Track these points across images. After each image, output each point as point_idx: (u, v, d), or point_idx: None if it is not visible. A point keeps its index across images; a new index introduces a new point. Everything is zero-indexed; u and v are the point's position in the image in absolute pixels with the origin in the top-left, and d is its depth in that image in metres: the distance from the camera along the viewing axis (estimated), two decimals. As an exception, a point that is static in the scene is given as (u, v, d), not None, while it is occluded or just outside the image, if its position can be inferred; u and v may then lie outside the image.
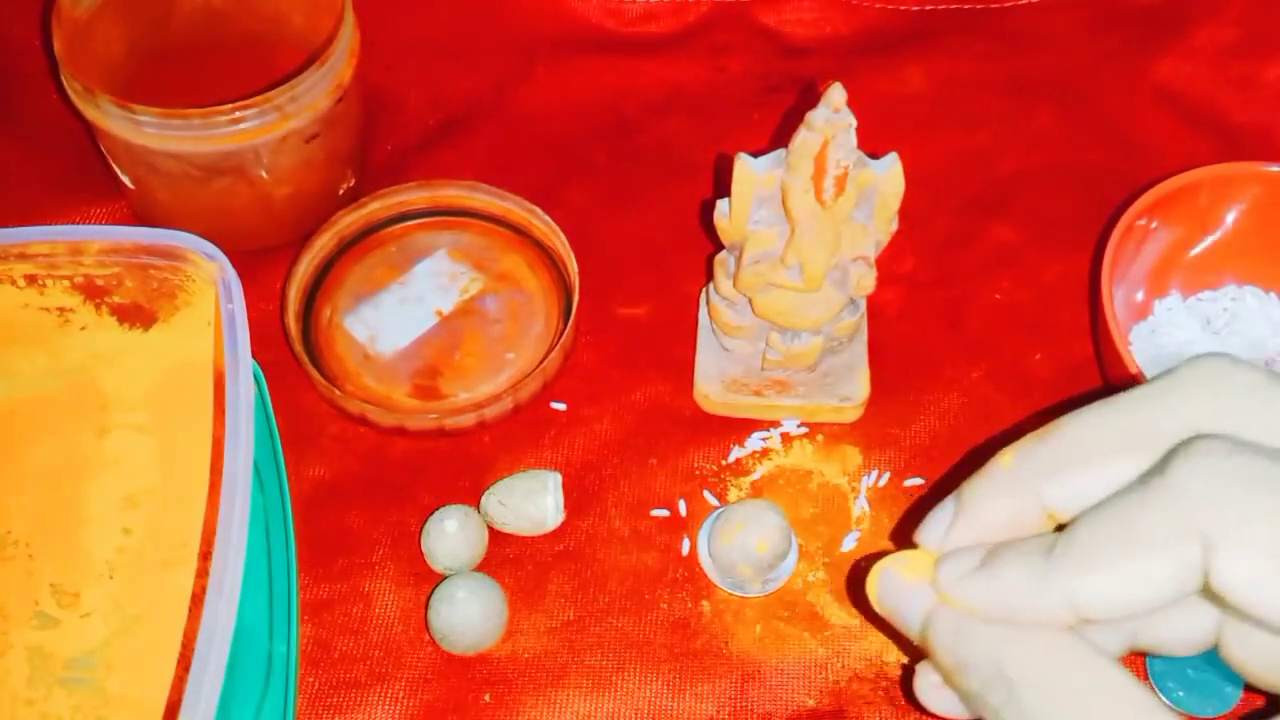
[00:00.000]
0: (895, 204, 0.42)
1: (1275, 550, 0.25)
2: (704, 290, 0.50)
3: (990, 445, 0.48)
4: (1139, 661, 0.42)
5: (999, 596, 0.29)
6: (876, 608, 0.33)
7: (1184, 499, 0.26)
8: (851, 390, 0.48)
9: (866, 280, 0.44)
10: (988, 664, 0.29)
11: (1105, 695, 0.27)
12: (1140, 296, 0.51)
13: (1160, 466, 0.27)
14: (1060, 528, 0.29)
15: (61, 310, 0.44)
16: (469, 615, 0.42)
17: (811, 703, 0.42)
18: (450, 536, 0.44)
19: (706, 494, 0.47)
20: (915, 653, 0.33)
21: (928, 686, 0.32)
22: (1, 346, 0.44)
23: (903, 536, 0.46)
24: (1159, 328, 0.50)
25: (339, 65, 0.49)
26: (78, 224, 0.55)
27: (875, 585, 0.33)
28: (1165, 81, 0.60)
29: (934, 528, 0.32)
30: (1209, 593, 0.26)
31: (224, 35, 0.57)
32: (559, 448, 0.48)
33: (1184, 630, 0.31)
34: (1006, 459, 0.31)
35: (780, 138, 0.56)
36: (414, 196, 0.54)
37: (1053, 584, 0.27)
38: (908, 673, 0.42)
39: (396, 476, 0.47)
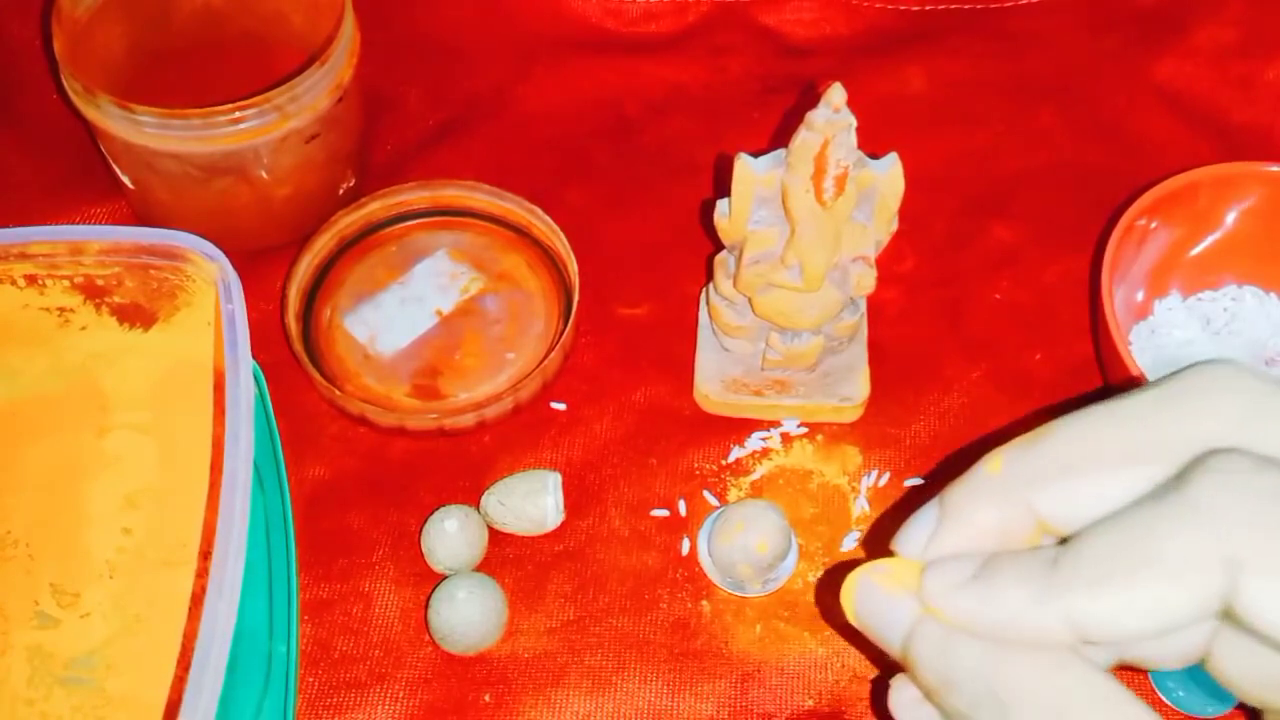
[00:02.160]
0: (895, 204, 0.42)
1: None
2: (704, 290, 0.50)
3: (990, 446, 0.48)
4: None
5: (996, 612, 0.26)
6: (853, 620, 0.30)
7: (1209, 519, 0.24)
8: (851, 390, 0.48)
9: (866, 280, 0.44)
10: (978, 682, 0.27)
11: (1106, 716, 0.26)
12: (1140, 296, 0.51)
13: (1178, 483, 0.25)
14: (1062, 540, 0.27)
15: (61, 310, 0.44)
16: (469, 615, 0.42)
17: (811, 703, 0.42)
18: (450, 536, 0.44)
19: (706, 494, 0.47)
20: (888, 665, 0.31)
21: (905, 702, 0.30)
22: (1, 346, 0.44)
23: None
24: (1159, 328, 0.50)
25: (339, 65, 0.49)
26: (78, 224, 0.55)
27: (852, 596, 0.30)
28: (1165, 81, 0.60)
29: (915, 535, 0.29)
30: (1227, 616, 0.25)
31: (224, 35, 0.57)
32: (559, 448, 0.48)
33: (1175, 646, 0.29)
34: (995, 463, 0.28)
35: (780, 138, 0.56)
36: (414, 196, 0.54)
37: (1056, 602, 0.25)
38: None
39: (396, 476, 0.47)
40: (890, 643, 0.29)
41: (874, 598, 0.29)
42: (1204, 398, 0.26)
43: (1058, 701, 0.26)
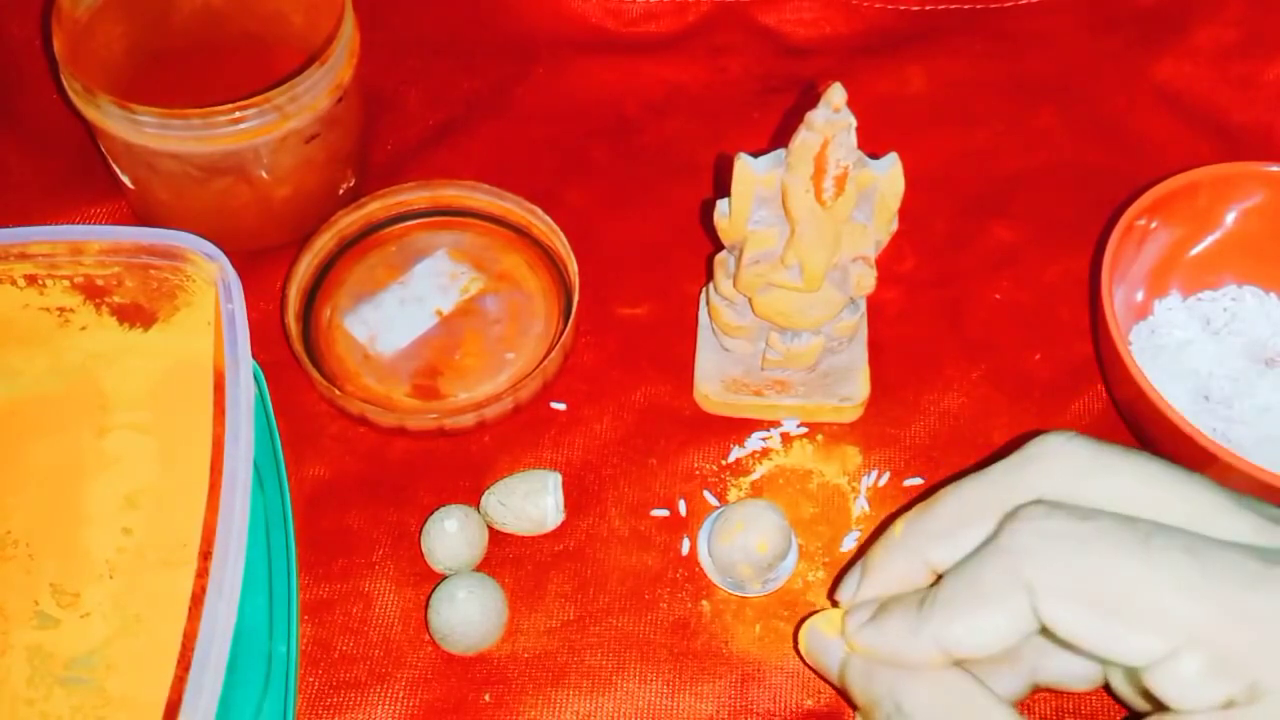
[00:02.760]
0: (895, 204, 0.42)
1: (1082, 594, 0.31)
2: (704, 290, 0.50)
3: (992, 445, 0.48)
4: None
5: (886, 643, 0.35)
6: (805, 659, 0.40)
7: (1009, 556, 0.32)
8: (851, 390, 0.48)
9: (866, 280, 0.44)
10: (889, 700, 0.35)
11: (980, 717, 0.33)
12: (1140, 296, 0.51)
13: (996, 530, 0.33)
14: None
15: (61, 310, 0.44)
16: (469, 615, 0.42)
17: (811, 703, 0.42)
18: (450, 536, 0.44)
19: (706, 494, 0.47)
20: (842, 697, 0.39)
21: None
22: (1, 346, 0.44)
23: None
24: (1159, 328, 0.50)
25: (339, 65, 0.49)
26: (78, 224, 0.55)
27: (803, 641, 0.40)
28: (1165, 81, 0.60)
29: (846, 587, 0.38)
30: (1046, 631, 0.32)
31: (224, 35, 0.57)
32: (559, 448, 0.48)
33: (1074, 669, 0.37)
34: (898, 528, 0.37)
35: (780, 138, 0.56)
36: (414, 196, 0.54)
37: (924, 632, 0.33)
38: None
39: (396, 476, 0.47)
40: (830, 673, 0.38)
41: (816, 641, 0.39)
42: (1041, 462, 0.34)
43: (944, 710, 0.33)
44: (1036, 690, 0.38)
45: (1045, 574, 0.31)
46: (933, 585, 0.34)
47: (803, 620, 0.40)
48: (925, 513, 0.36)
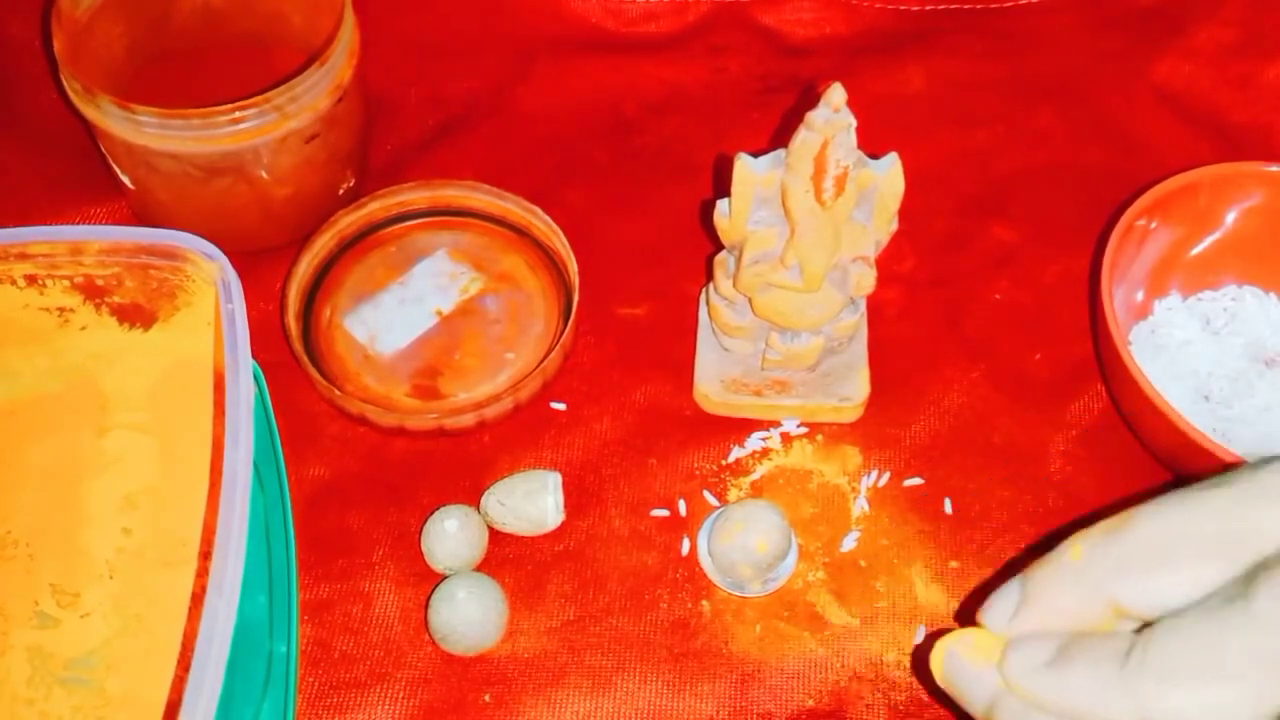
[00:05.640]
0: (895, 204, 0.42)
1: None
2: (704, 290, 0.50)
3: (992, 445, 0.48)
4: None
5: (1070, 698, 0.29)
6: (941, 685, 0.34)
7: (1267, 625, 0.26)
8: (851, 390, 0.48)
9: (866, 280, 0.44)
10: None
11: None
12: (1140, 296, 0.51)
13: (1245, 588, 0.27)
14: (1142, 626, 0.29)
15: (61, 310, 0.44)
16: (469, 615, 0.42)
17: (811, 703, 0.42)
18: (450, 536, 0.44)
19: (706, 494, 0.47)
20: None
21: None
22: (1, 346, 0.44)
23: (902, 537, 0.46)
24: (1159, 328, 0.50)
25: (339, 65, 0.49)
26: (78, 224, 0.55)
27: (940, 664, 0.34)
28: (1165, 81, 0.60)
29: (999, 611, 0.32)
30: None
31: (224, 35, 0.57)
32: (559, 448, 0.48)
33: None
34: (1076, 550, 0.31)
35: (780, 138, 0.56)
36: (414, 196, 0.54)
37: (1127, 694, 0.28)
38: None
39: (396, 476, 0.47)
40: (974, 707, 0.32)
41: (960, 667, 0.33)
42: (1278, 497, 0.28)
43: None
44: None
45: None
46: (1138, 632, 0.29)
47: (934, 635, 0.37)
48: (1114, 537, 0.30)
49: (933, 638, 0.36)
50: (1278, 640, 0.26)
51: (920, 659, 0.39)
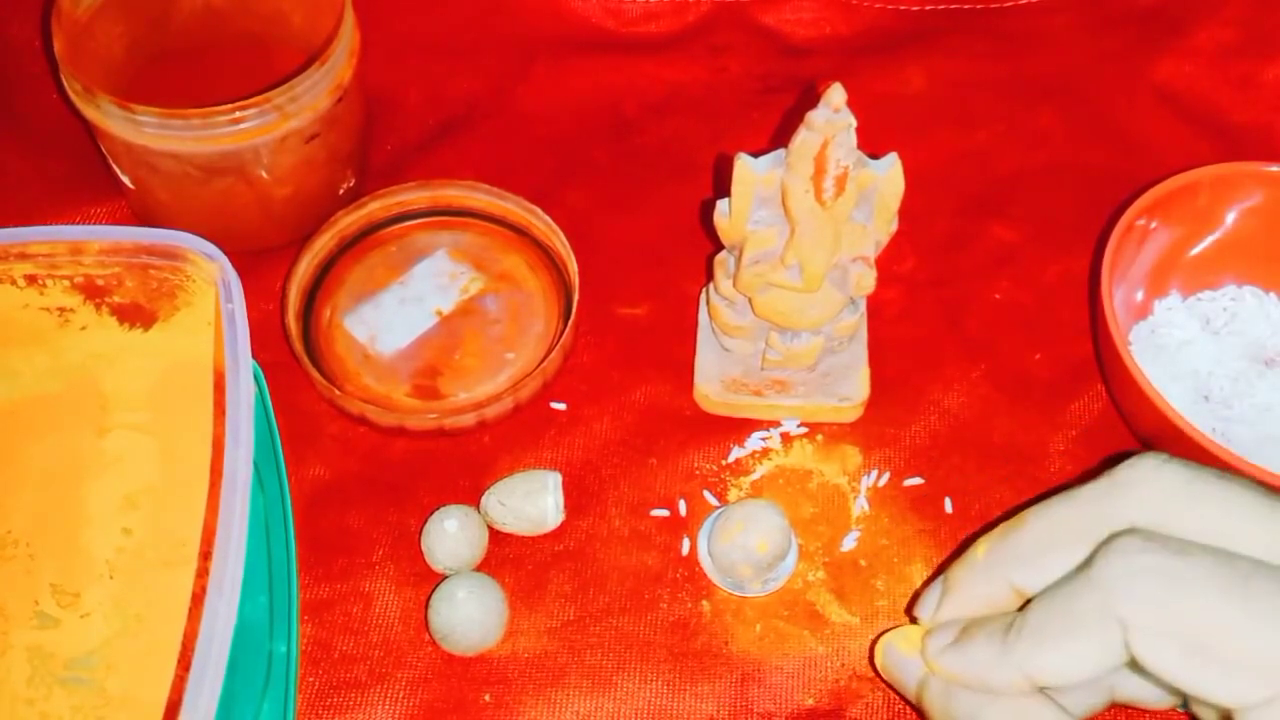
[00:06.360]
0: (895, 204, 0.42)
1: (1179, 634, 0.30)
2: (704, 290, 0.50)
3: (992, 445, 0.48)
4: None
5: (970, 668, 0.35)
6: (882, 674, 0.40)
7: (1104, 590, 0.31)
8: (851, 390, 0.48)
9: (866, 280, 0.44)
10: None
11: None
12: (1140, 296, 0.51)
13: (1089, 560, 0.32)
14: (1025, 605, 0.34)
15: (61, 310, 0.44)
16: (469, 615, 0.42)
17: (811, 702, 0.42)
18: (450, 536, 0.44)
19: (706, 494, 0.47)
20: (918, 714, 0.39)
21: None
22: (1, 346, 0.44)
23: (902, 537, 0.46)
24: (1159, 328, 0.50)
25: (339, 65, 0.49)
26: (78, 224, 0.55)
27: (880, 656, 0.40)
28: (1165, 81, 0.60)
29: (925, 605, 0.38)
30: (1133, 663, 0.31)
31: (224, 35, 0.57)
32: (559, 448, 0.48)
33: (1152, 690, 0.37)
34: (981, 550, 0.37)
35: (780, 138, 0.56)
36: (414, 196, 0.54)
37: (1010, 659, 0.33)
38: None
39: (396, 476, 0.47)
40: (906, 691, 0.38)
41: (894, 658, 0.39)
42: (1133, 488, 0.34)
43: None
44: (1112, 706, 0.38)
45: (1140, 611, 0.31)
46: (1019, 610, 0.34)
47: (880, 635, 0.40)
48: (1010, 535, 0.36)
49: (882, 634, 0.40)
50: (1112, 596, 0.31)
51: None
